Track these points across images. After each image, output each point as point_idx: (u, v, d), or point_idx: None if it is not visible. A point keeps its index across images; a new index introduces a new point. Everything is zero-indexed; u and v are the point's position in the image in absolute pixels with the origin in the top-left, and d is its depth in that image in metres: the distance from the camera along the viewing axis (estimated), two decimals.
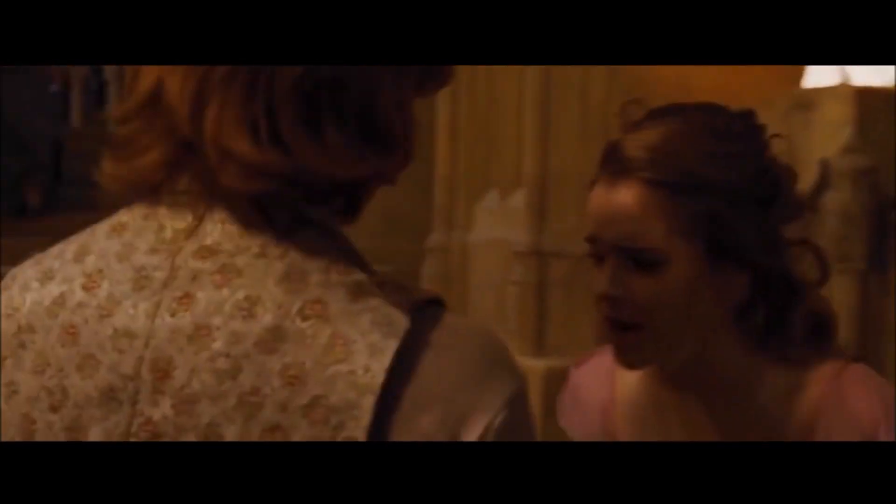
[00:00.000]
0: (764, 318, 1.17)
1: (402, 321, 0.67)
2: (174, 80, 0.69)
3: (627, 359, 1.18)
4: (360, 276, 0.69)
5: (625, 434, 1.27)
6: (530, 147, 4.83)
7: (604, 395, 1.29)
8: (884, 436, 1.12)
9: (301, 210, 0.71)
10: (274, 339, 0.66)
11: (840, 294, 3.18)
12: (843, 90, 3.30)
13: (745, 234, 1.14)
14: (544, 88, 4.68)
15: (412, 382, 0.66)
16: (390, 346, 0.66)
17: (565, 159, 4.64)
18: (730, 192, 1.13)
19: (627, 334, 1.16)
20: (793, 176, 1.19)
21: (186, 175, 0.71)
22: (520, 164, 5.03)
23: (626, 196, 1.14)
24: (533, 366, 4.34)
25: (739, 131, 1.17)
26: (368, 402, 0.65)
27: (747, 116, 1.19)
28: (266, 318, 0.67)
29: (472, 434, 0.66)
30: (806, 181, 3.30)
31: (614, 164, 1.16)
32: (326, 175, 0.70)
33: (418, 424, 0.66)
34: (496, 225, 5.22)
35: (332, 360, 0.66)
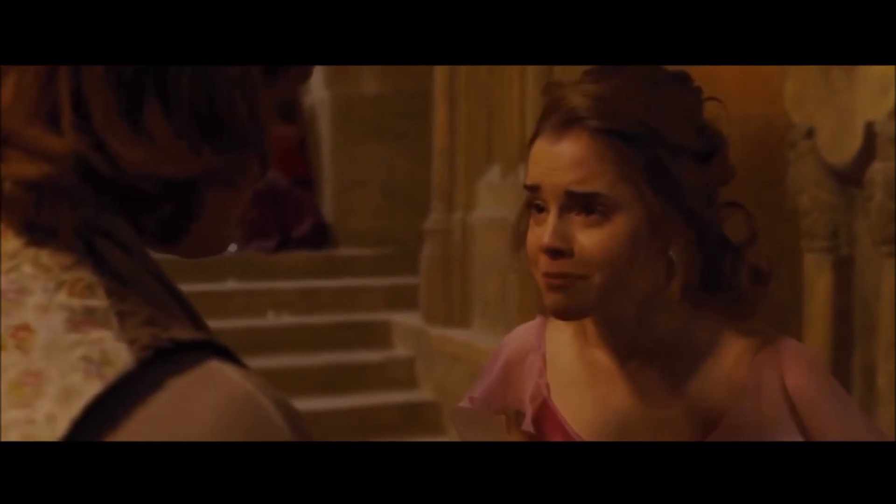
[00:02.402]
0: (701, 276, 1.20)
1: (123, 360, 0.54)
2: None
3: (562, 303, 1.16)
4: (100, 301, 0.56)
5: (558, 398, 1.27)
6: (533, 117, 4.45)
7: (535, 361, 1.30)
8: (820, 408, 1.18)
9: (90, 217, 0.59)
10: None
11: (892, 282, 2.78)
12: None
13: (688, 186, 1.16)
14: None
15: (122, 439, 0.53)
16: (89, 391, 0.53)
17: None
18: (673, 144, 1.16)
19: (566, 282, 1.15)
20: (725, 141, 1.22)
21: None
22: (523, 137, 4.69)
23: (574, 144, 1.15)
24: None
25: (678, 88, 1.20)
26: None
27: (684, 77, 1.23)
28: None
29: None
30: (849, 149, 2.89)
31: (559, 115, 1.16)
32: (150, 171, 0.59)
33: None
34: (498, 202, 4.88)
35: (12, 404, 0.53)
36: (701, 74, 1.29)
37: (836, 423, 1.19)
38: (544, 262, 1.16)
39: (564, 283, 1.15)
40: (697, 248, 1.19)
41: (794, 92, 3.10)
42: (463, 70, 5.21)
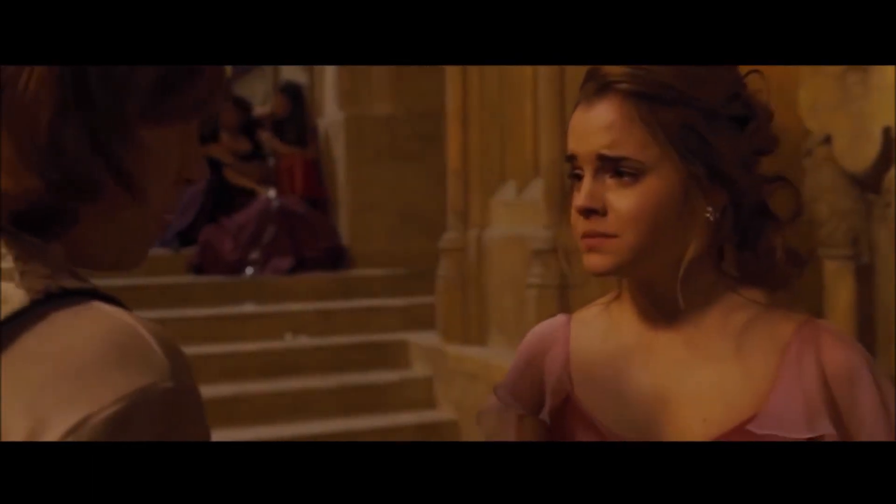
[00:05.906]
0: (738, 242, 1.22)
1: (19, 299, 0.72)
2: None
3: (597, 262, 1.20)
4: (8, 265, 0.74)
5: (582, 391, 1.28)
6: (546, 133, 4.44)
7: (558, 354, 1.31)
8: (861, 389, 1.17)
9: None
10: None
11: None
12: None
13: (720, 148, 1.18)
14: (560, 69, 4.31)
15: (15, 359, 0.70)
16: None
17: None
18: (705, 108, 1.18)
19: (599, 243, 1.19)
20: (769, 111, 1.23)
21: None
22: (536, 153, 4.67)
23: (607, 108, 1.18)
24: None
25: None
26: None
27: None
28: None
29: (56, 427, 0.68)
30: (866, 155, 2.87)
31: (593, 84, 1.20)
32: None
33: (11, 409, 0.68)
34: (513, 220, 4.86)
35: None
36: None
37: (874, 408, 1.17)
38: (581, 224, 1.20)
39: (598, 243, 1.19)
40: (732, 212, 1.20)
41: (809, 99, 3.07)
42: (475, 88, 5.20)
